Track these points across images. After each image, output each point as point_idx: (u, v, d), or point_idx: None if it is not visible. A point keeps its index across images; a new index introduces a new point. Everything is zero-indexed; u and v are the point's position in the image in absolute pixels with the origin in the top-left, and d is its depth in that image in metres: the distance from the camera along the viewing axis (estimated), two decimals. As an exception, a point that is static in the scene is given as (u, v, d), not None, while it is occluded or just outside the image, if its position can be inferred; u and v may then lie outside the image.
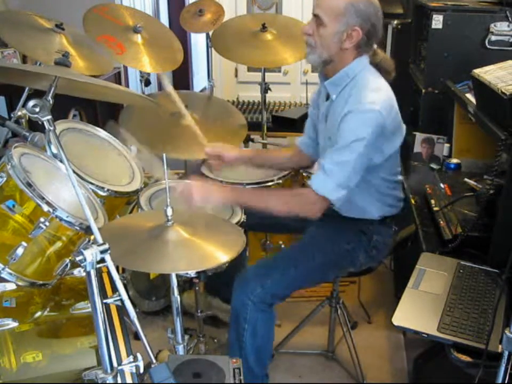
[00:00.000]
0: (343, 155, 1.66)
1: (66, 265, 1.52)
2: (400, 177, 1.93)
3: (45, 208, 1.45)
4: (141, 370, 1.15)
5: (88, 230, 1.50)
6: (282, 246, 2.47)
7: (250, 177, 2.42)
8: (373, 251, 1.88)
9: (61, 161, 1.38)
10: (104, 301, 1.11)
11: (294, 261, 1.80)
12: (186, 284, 2.46)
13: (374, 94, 1.66)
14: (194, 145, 2.45)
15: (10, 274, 1.46)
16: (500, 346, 1.11)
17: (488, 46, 2.25)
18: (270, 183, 2.41)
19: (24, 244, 1.43)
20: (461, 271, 1.57)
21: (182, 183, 1.78)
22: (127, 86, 3.80)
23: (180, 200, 1.67)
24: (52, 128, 1.18)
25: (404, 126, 1.81)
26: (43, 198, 1.45)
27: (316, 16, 1.68)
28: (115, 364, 1.16)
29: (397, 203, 1.93)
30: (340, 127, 1.68)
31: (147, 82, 2.84)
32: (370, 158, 1.70)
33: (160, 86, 4.34)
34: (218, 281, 2.13)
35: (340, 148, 1.67)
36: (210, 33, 2.92)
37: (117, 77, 3.53)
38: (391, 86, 1.76)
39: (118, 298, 1.10)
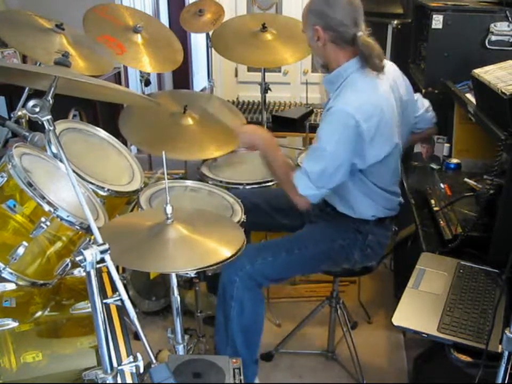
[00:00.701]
0: (314, 156, 1.73)
1: (67, 265, 1.52)
2: (396, 188, 1.94)
3: (46, 207, 1.45)
4: (141, 370, 1.15)
5: (88, 230, 1.50)
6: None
7: (251, 177, 2.42)
8: (367, 250, 1.90)
9: (61, 161, 1.38)
10: (104, 301, 1.11)
11: (288, 246, 1.83)
12: (186, 283, 2.46)
13: (353, 96, 1.69)
14: (194, 145, 2.45)
15: (11, 274, 1.46)
16: (500, 346, 1.11)
17: (488, 46, 2.25)
18: (269, 183, 2.41)
19: (25, 243, 1.43)
20: (461, 271, 1.57)
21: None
22: (127, 86, 3.80)
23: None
24: (51, 128, 1.18)
25: (396, 141, 1.80)
26: (44, 198, 1.45)
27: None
28: (115, 364, 1.16)
29: (393, 207, 1.94)
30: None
31: (147, 82, 2.84)
32: (351, 161, 1.71)
33: (160, 86, 4.36)
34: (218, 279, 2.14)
35: (314, 149, 1.75)
36: (210, 33, 2.92)
37: (117, 77, 3.53)
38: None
39: (118, 298, 1.10)
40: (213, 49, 2.94)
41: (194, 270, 1.38)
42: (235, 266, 1.72)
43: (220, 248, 1.43)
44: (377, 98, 1.72)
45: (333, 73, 1.78)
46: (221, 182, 2.37)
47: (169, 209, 1.42)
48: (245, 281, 1.73)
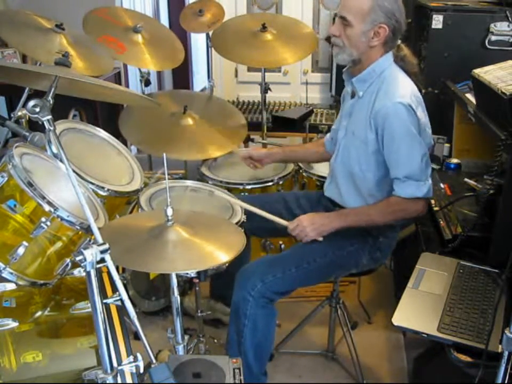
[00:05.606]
0: (404, 156, 1.69)
1: (67, 265, 1.52)
2: None
3: (46, 208, 1.45)
4: (141, 370, 1.15)
5: (89, 230, 1.50)
6: (282, 246, 2.47)
7: (251, 177, 2.43)
8: (377, 253, 1.88)
9: (61, 161, 1.38)
10: (104, 301, 1.11)
11: (296, 261, 1.80)
12: (186, 284, 2.46)
13: (401, 88, 1.69)
14: (194, 145, 2.45)
15: (11, 273, 1.46)
16: (500, 346, 1.11)
17: (488, 46, 2.25)
18: (270, 183, 2.41)
19: (25, 243, 1.43)
20: (461, 271, 1.57)
21: (295, 222, 1.83)
22: (127, 86, 3.80)
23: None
24: (52, 128, 1.18)
25: (429, 131, 1.81)
26: (44, 198, 1.45)
27: (342, 18, 1.71)
28: (115, 364, 1.16)
29: None
30: (380, 130, 1.69)
31: (147, 82, 2.84)
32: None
33: (161, 86, 4.36)
34: (223, 286, 2.14)
35: (397, 151, 1.69)
36: (210, 33, 2.92)
37: (117, 77, 3.53)
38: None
39: (118, 298, 1.10)
40: (213, 49, 2.94)
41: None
42: (247, 286, 1.72)
43: (220, 251, 1.42)
44: (417, 90, 1.75)
45: (365, 72, 1.76)
46: (221, 182, 2.37)
47: (169, 211, 1.42)
48: (257, 299, 1.72)
